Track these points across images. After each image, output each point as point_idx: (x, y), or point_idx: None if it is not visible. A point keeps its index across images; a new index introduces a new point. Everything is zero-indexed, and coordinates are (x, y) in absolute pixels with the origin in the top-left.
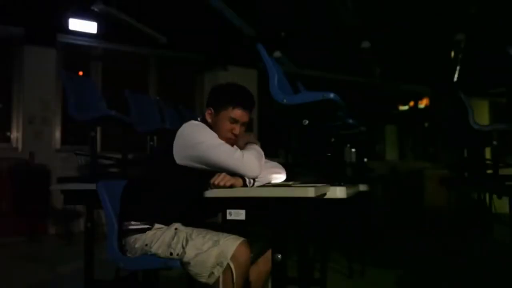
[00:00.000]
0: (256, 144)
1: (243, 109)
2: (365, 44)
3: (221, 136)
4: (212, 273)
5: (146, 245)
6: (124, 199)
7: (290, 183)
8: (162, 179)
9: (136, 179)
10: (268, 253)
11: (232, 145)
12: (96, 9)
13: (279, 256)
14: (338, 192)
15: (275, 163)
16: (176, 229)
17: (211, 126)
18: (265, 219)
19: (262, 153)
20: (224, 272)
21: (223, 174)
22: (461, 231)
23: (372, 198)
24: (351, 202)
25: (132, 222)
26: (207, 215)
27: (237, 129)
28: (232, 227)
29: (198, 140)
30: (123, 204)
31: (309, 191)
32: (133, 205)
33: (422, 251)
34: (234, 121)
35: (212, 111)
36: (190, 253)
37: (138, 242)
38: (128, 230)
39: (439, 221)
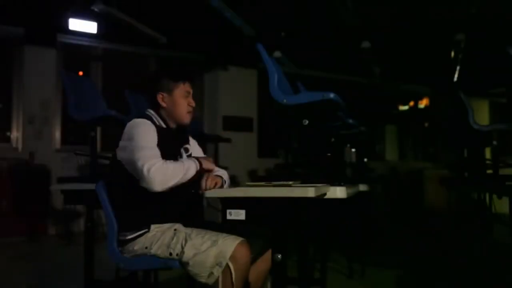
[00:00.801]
0: (202, 161)
1: (190, 81)
2: (365, 44)
3: (183, 113)
4: (212, 273)
5: (146, 247)
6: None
7: (290, 183)
8: (118, 181)
9: (109, 182)
10: (267, 253)
11: (192, 116)
12: (96, 9)
13: (279, 256)
14: (338, 192)
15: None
16: (175, 229)
17: (167, 109)
18: (265, 219)
19: (190, 169)
20: (223, 272)
21: (207, 176)
22: (461, 231)
23: (372, 198)
24: (351, 202)
25: (128, 233)
26: (186, 210)
27: (192, 101)
28: (232, 227)
29: (129, 142)
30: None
31: (309, 191)
32: (120, 213)
33: (422, 251)
34: (188, 94)
35: (164, 94)
36: (189, 253)
37: (137, 245)
38: (125, 240)
39: (439, 221)
